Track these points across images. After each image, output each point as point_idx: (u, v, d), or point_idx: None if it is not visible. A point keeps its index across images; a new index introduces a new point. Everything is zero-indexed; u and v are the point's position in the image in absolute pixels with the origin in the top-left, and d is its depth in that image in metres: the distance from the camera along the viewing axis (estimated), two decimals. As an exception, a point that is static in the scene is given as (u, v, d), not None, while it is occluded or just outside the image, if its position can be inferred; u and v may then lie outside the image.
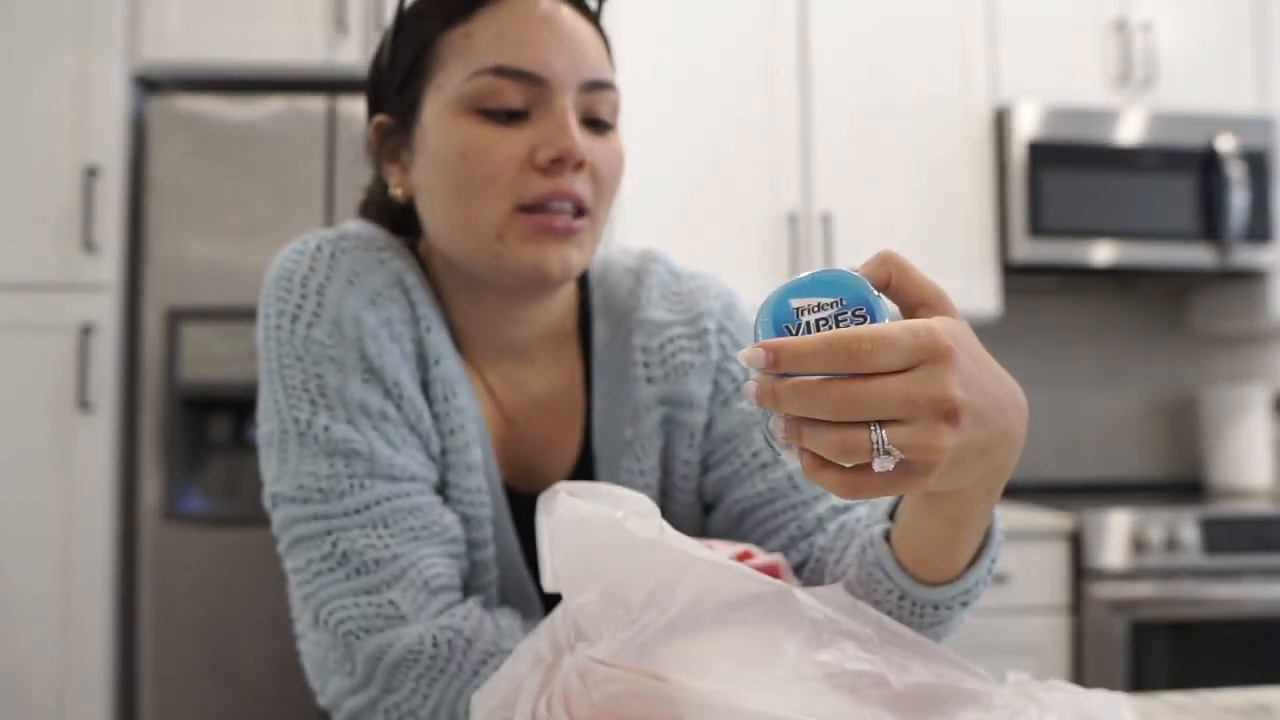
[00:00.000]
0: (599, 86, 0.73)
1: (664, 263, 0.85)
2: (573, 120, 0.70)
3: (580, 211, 0.72)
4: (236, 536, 1.96)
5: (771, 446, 0.46)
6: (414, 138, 0.74)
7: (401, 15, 0.75)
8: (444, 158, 0.71)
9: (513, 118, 0.70)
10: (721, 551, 0.66)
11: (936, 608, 0.61)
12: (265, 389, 0.72)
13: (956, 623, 0.64)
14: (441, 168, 0.71)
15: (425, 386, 0.73)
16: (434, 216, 0.74)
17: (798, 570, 0.73)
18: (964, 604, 0.62)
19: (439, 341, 0.74)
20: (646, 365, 0.79)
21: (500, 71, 0.70)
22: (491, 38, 0.70)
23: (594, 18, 0.76)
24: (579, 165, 0.70)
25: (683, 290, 0.83)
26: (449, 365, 0.74)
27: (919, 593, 0.60)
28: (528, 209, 0.70)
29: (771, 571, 0.68)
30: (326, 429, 0.68)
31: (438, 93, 0.72)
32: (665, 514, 0.80)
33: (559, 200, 0.70)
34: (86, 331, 2.01)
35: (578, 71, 0.71)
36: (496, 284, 0.74)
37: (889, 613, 0.60)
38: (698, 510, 0.82)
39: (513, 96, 0.70)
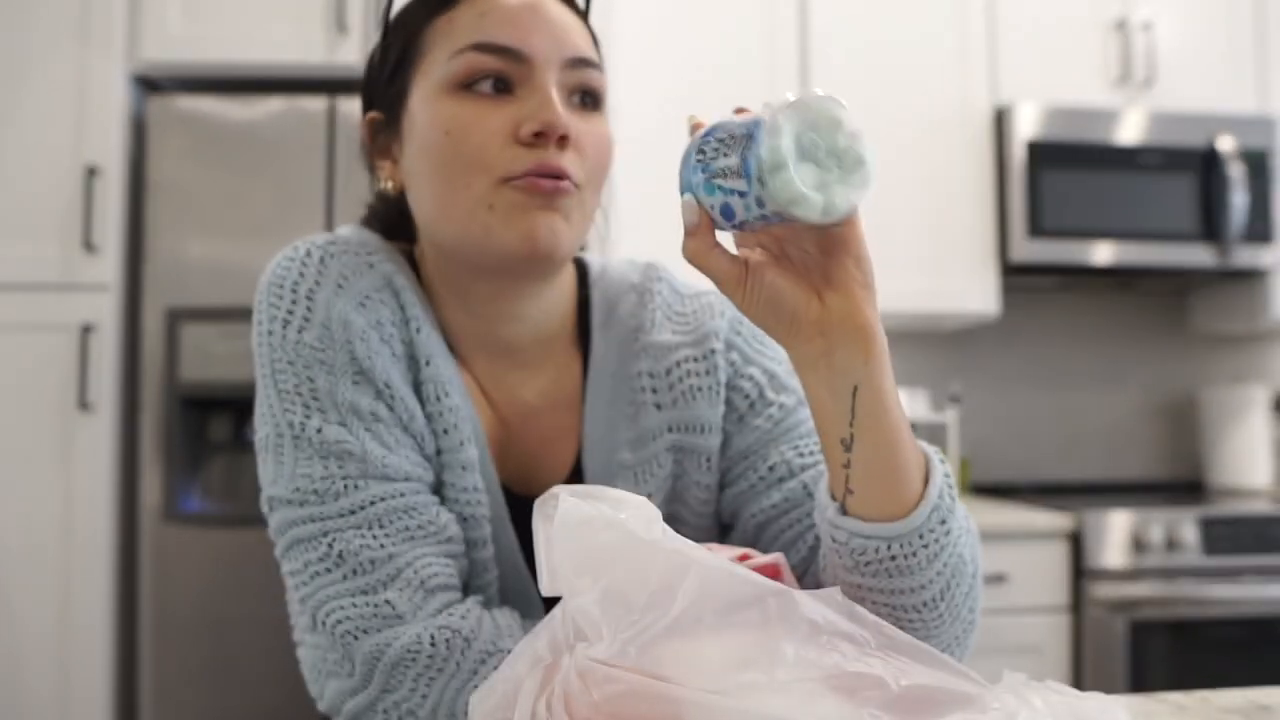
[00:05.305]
0: (583, 64, 0.73)
1: (667, 281, 0.85)
2: (556, 95, 0.70)
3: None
4: (236, 537, 1.96)
5: None
6: (402, 127, 0.75)
7: (388, 14, 0.77)
8: (430, 138, 0.72)
9: (496, 93, 0.71)
10: (721, 554, 0.66)
11: (922, 537, 0.59)
12: (260, 394, 0.72)
13: (951, 560, 0.62)
14: (428, 148, 0.72)
15: (417, 387, 0.74)
16: (422, 201, 0.75)
17: (809, 576, 0.73)
18: (942, 522, 0.60)
19: (430, 342, 0.74)
20: (655, 391, 0.79)
21: (481, 47, 0.70)
22: (474, 18, 0.72)
23: (580, 12, 0.77)
24: (563, 140, 0.70)
25: (687, 310, 0.82)
26: (440, 365, 0.74)
27: (890, 529, 0.59)
28: (513, 182, 0.70)
29: (771, 571, 0.68)
30: (319, 431, 0.69)
31: (424, 79, 0.73)
32: None
33: (544, 174, 0.70)
34: (86, 331, 2.01)
35: (560, 49, 0.72)
36: (486, 270, 0.74)
37: (879, 573, 0.60)
38: (714, 535, 0.81)
39: (495, 72, 0.70)
